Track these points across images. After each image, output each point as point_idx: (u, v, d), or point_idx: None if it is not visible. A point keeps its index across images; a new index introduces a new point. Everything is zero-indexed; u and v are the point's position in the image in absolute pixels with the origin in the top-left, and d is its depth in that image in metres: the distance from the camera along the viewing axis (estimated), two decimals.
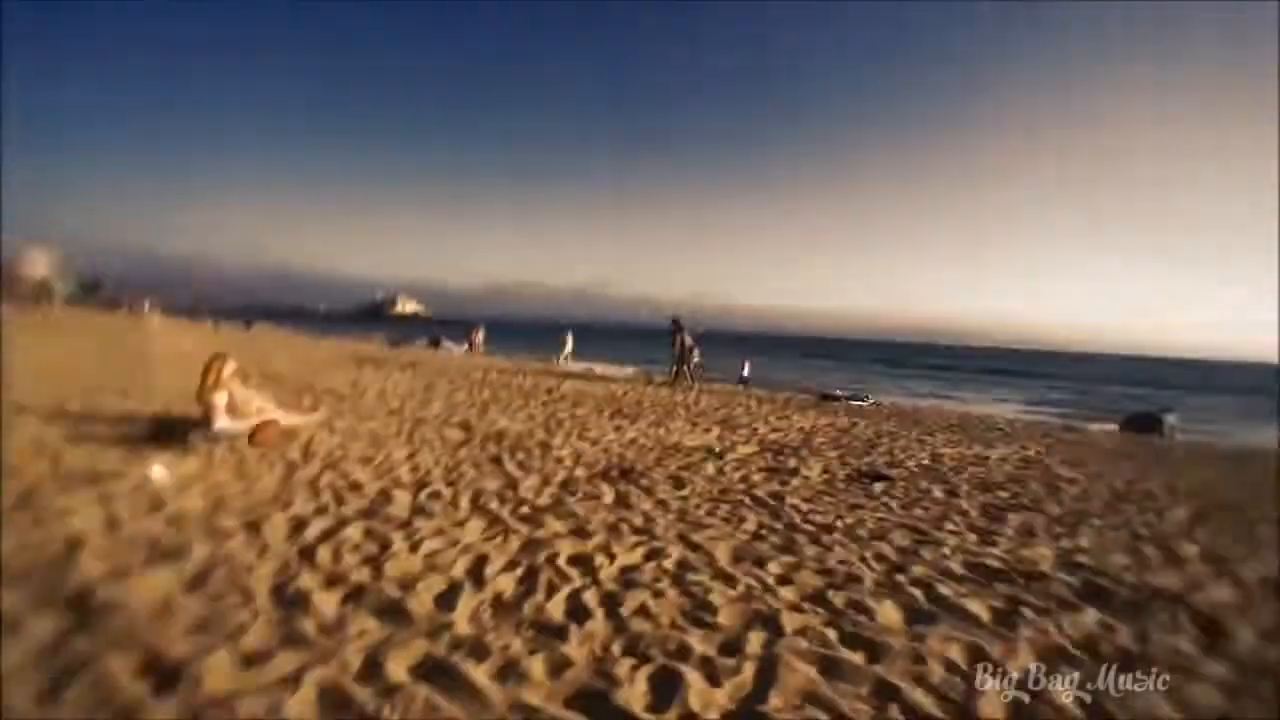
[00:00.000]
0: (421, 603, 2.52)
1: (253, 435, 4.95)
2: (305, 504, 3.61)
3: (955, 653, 2.33)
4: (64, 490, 3.50)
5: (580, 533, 3.44)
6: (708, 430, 7.11)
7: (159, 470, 4.07)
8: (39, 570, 2.54)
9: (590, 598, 2.66)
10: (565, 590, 2.70)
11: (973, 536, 3.68)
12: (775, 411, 9.36)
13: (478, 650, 2.19)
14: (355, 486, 4.04)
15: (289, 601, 2.45)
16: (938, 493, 4.72)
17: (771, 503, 4.24)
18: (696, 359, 13.89)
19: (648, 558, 3.15)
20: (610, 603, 2.62)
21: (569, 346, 18.15)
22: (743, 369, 17.48)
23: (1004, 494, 4.73)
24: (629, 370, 17.35)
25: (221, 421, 5.21)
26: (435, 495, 3.97)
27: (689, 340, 13.63)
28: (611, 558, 3.10)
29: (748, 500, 4.29)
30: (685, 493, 4.38)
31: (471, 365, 15.00)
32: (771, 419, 8.42)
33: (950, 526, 3.86)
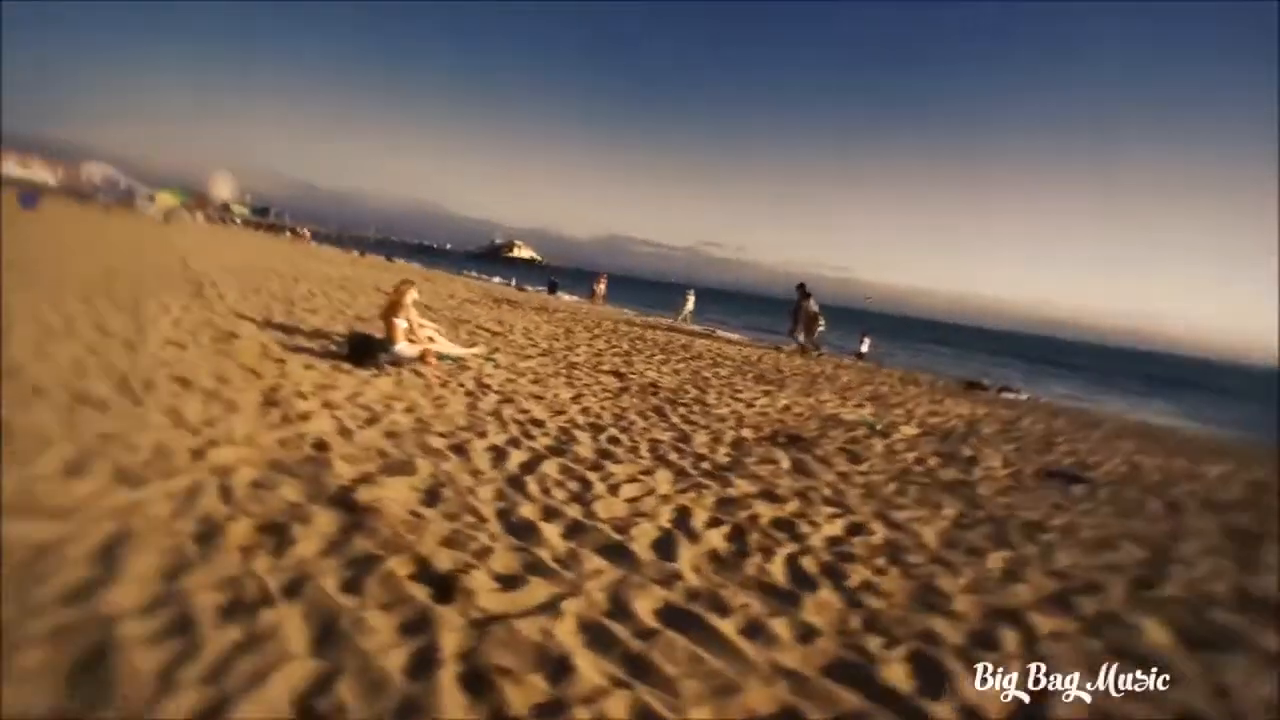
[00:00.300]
0: (641, 547, 2.51)
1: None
2: (497, 434, 3.74)
3: (1267, 692, 1.99)
4: (298, 395, 3.83)
5: (771, 496, 3.32)
6: (860, 405, 6.73)
7: None
8: (303, 466, 2.78)
9: (809, 565, 2.54)
10: (780, 554, 2.60)
11: (1226, 561, 3.17)
12: (923, 394, 8.74)
13: (717, 604, 2.13)
14: (537, 423, 4.14)
15: (517, 529, 2.51)
16: (1154, 505, 4.15)
17: (963, 490, 3.91)
18: (821, 327, 13.34)
19: (850, 531, 2.98)
20: (832, 573, 2.49)
21: (690, 305, 17.91)
22: (860, 344, 16.52)
23: (1244, 517, 4.07)
24: (737, 335, 16.90)
25: (401, 344, 5.56)
26: (614, 440, 3.99)
27: (814, 308, 13.07)
28: (814, 526, 2.97)
29: (933, 484, 3.98)
30: (864, 468, 4.14)
31: (599, 314, 15.26)
32: (924, 401, 7.86)
33: (1191, 546, 3.36)
